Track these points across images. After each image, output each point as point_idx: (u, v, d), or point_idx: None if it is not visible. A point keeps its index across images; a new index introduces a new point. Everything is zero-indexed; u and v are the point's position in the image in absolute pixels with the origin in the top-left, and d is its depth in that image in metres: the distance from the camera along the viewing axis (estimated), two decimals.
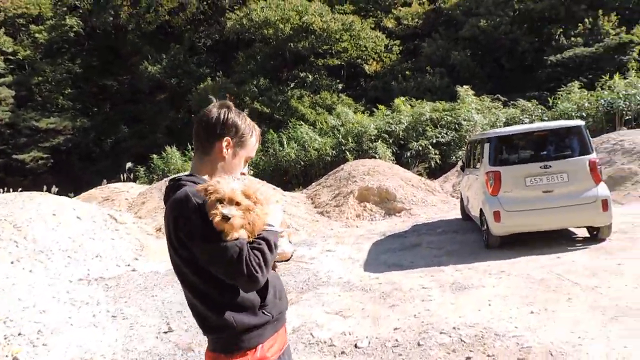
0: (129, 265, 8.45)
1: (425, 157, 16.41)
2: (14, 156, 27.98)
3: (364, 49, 24.35)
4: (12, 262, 7.29)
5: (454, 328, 4.01)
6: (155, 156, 21.76)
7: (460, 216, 9.39)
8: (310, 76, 25.24)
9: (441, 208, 10.93)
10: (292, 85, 25.58)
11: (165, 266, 8.19)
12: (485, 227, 6.80)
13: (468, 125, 16.32)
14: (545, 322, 3.94)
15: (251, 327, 1.65)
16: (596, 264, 5.40)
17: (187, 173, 1.81)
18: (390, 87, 22.92)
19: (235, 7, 29.35)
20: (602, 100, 14.13)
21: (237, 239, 1.55)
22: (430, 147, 16.42)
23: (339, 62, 25.28)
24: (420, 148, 16.57)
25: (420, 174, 15.63)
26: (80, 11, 31.98)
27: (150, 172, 21.94)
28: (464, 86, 18.26)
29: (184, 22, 30.36)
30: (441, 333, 3.94)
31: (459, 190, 10.86)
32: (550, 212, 6.24)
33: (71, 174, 29.71)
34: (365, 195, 11.54)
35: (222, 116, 1.77)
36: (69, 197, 16.54)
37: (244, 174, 1.86)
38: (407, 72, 23.31)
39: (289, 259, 1.96)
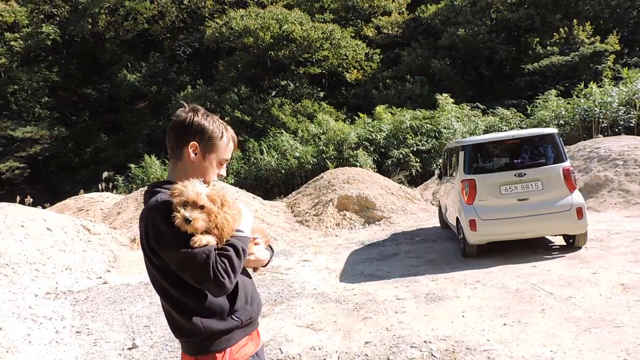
0: (100, 277, 8.19)
1: (406, 164, 16.43)
2: None
3: (345, 57, 24.42)
4: None
5: (425, 342, 3.90)
6: (133, 165, 21.40)
7: (439, 224, 9.34)
8: (291, 84, 25.20)
9: (421, 216, 10.88)
10: (273, 94, 25.51)
11: (137, 278, 7.97)
12: (461, 235, 6.75)
13: (448, 133, 16.41)
14: (518, 334, 3.85)
15: (219, 332, 1.68)
16: (571, 273, 5.37)
17: (163, 180, 1.82)
18: (371, 95, 23.00)
19: (214, 15, 29.27)
20: (578, 109, 14.33)
21: (205, 245, 1.57)
22: (410, 154, 16.46)
23: (320, 71, 25.30)
24: (401, 156, 16.60)
25: (401, 182, 15.63)
26: (58, 19, 31.50)
27: (129, 181, 21.56)
28: (444, 94, 18.41)
29: (164, 30, 30.14)
30: (412, 347, 3.82)
31: (438, 198, 10.84)
32: (526, 221, 6.21)
33: (49, 184, 29.11)
34: (345, 204, 11.45)
35: (188, 120, 1.76)
36: (44, 207, 16.15)
37: (221, 175, 1.85)
38: (387, 81, 23.42)
39: (265, 265, 1.94)
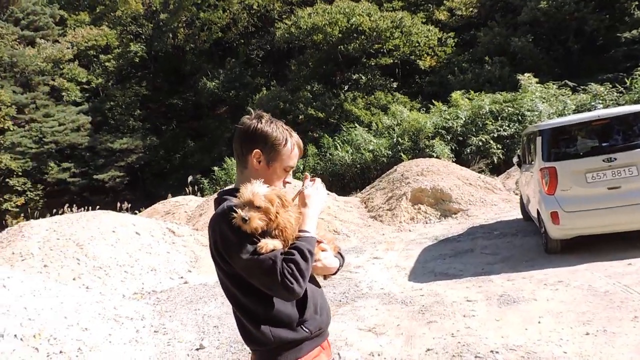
0: (182, 277, 8.64)
1: (487, 152, 15.48)
2: (95, 176, 30.07)
3: (417, 44, 23.58)
4: (73, 279, 7.73)
5: (492, 351, 3.57)
6: (217, 168, 22.48)
7: (520, 216, 8.65)
8: (363, 77, 24.89)
9: (502, 208, 10.17)
10: (345, 88, 25.37)
11: (214, 278, 8.29)
12: (543, 229, 6.16)
13: (532, 116, 15.19)
14: (602, 347, 3.38)
15: (288, 342, 1.66)
16: None
17: (231, 187, 1.83)
18: (447, 82, 21.98)
19: (283, 16, 29.70)
20: None
21: (272, 250, 1.56)
22: (491, 141, 15.48)
23: (392, 61, 24.70)
24: (480, 143, 15.67)
25: (482, 171, 14.77)
26: (143, 37, 33.93)
27: (214, 183, 22.67)
28: (526, 74, 17.05)
29: (237, 36, 31.22)
30: (476, 357, 3.51)
31: (519, 188, 10.06)
32: (618, 212, 5.49)
33: (145, 189, 31.54)
34: (419, 197, 11.04)
35: (251, 127, 1.75)
36: (139, 211, 17.48)
37: (287, 182, 1.83)
38: (463, 64, 22.24)
39: (334, 274, 1.89)
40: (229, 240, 1.60)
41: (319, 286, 1.86)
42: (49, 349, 4.46)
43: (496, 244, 7.28)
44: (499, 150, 15.14)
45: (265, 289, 1.58)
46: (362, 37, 24.16)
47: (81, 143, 30.33)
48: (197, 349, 4.78)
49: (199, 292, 7.32)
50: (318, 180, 1.87)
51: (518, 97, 16.23)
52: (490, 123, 16.00)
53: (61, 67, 32.72)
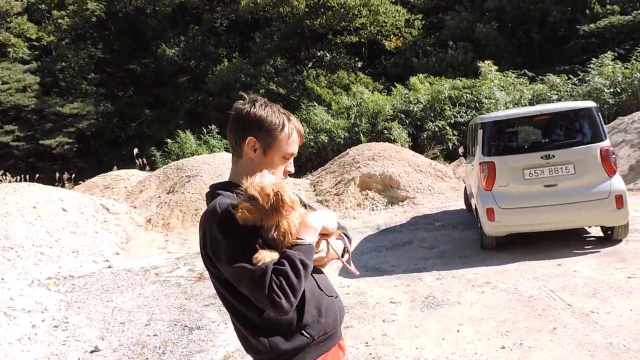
0: (107, 261, 8.06)
1: (442, 138, 15.35)
2: (41, 142, 28.45)
3: (384, 24, 23.09)
4: None
5: None
6: (170, 141, 21.54)
7: (464, 207, 8.48)
8: (328, 55, 24.27)
9: (448, 196, 10.00)
10: (309, 65, 24.71)
11: (141, 263, 7.78)
12: (479, 225, 5.94)
13: (489, 104, 15.12)
14: None
15: (287, 352, 1.52)
16: (601, 276, 4.50)
17: (226, 180, 1.68)
18: (411, 64, 21.70)
19: None
20: (638, 74, 12.62)
21: (265, 261, 1.39)
22: (447, 127, 15.35)
23: (358, 39, 24.15)
24: (437, 129, 15.52)
25: (436, 157, 14.65)
26: None
27: (166, 157, 21.76)
28: (487, 61, 16.92)
29: (201, 2, 29.78)
30: None
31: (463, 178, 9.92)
32: (554, 210, 5.31)
33: (98, 158, 30.14)
34: (368, 182, 10.74)
35: (243, 112, 1.60)
36: (79, 184, 16.51)
37: (288, 172, 1.68)
38: (428, 48, 21.97)
39: (342, 256, 1.68)
40: (217, 243, 1.45)
41: (328, 281, 1.70)
42: None
43: (435, 236, 7.06)
44: (455, 137, 15.03)
45: (254, 300, 1.42)
46: (330, 12, 23.46)
47: (27, 105, 28.50)
48: (92, 352, 4.31)
49: (120, 279, 6.81)
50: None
51: (477, 84, 16.12)
52: (449, 109, 15.85)
53: (8, 20, 30.43)
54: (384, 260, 6.17)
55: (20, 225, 8.09)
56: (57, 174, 18.53)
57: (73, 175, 19.59)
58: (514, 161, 5.52)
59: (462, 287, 4.73)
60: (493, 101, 15.05)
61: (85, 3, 30.87)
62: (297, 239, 1.46)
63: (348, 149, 13.23)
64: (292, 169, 1.69)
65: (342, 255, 1.70)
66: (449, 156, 14.77)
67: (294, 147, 1.66)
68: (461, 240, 6.63)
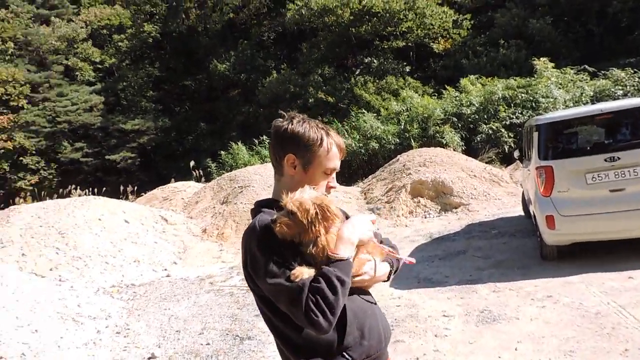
0: (165, 269, 8.38)
1: (497, 141, 14.78)
2: (107, 157, 30.18)
3: (431, 27, 22.67)
4: (50, 269, 7.52)
5: None
6: (223, 152, 22.22)
7: (523, 213, 8.10)
8: (375, 61, 24.13)
9: (505, 202, 9.60)
10: (357, 72, 24.67)
11: (197, 272, 8.01)
12: (538, 233, 5.64)
13: (547, 103, 14.40)
14: None
15: None
16: None
17: (269, 197, 1.69)
18: (461, 65, 21.11)
19: None
20: None
21: (303, 278, 1.40)
22: (502, 129, 14.75)
23: (405, 44, 23.85)
24: (490, 131, 14.97)
25: (491, 161, 14.12)
26: (157, 17, 33.56)
27: (220, 168, 22.43)
28: (542, 58, 16.15)
29: (248, 17, 30.60)
30: None
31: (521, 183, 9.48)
32: (621, 217, 4.95)
33: (157, 171, 31.56)
34: (419, 189, 10.52)
35: (282, 130, 1.61)
36: (141, 196, 17.34)
37: (332, 187, 1.68)
38: (478, 48, 21.30)
39: (387, 279, 1.71)
40: (256, 260, 1.46)
41: (372, 302, 1.66)
42: None
43: (491, 244, 6.78)
44: (510, 139, 14.42)
45: (293, 318, 1.42)
46: (375, 19, 23.33)
47: (94, 123, 30.36)
48: (149, 359, 4.47)
49: (177, 288, 7.05)
50: (373, 215, 1.70)
51: (533, 83, 15.41)
52: (503, 110, 15.24)
53: (75, 46, 32.64)
54: (436, 270, 6.00)
55: (88, 237, 8.60)
56: (122, 187, 19.59)
57: (135, 188, 20.66)
58: (574, 165, 5.20)
59: (520, 301, 4.50)
60: (551, 100, 14.33)
61: (142, 26, 32.61)
62: (333, 253, 1.44)
63: (398, 156, 13.05)
64: (334, 184, 1.68)
65: (389, 278, 1.69)
66: (505, 159, 14.19)
67: (334, 162, 1.64)
68: (519, 249, 6.33)
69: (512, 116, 14.98)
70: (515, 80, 16.07)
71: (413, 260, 1.78)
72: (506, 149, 14.54)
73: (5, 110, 27.99)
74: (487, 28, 22.60)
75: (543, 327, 3.86)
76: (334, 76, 24.61)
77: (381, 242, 1.83)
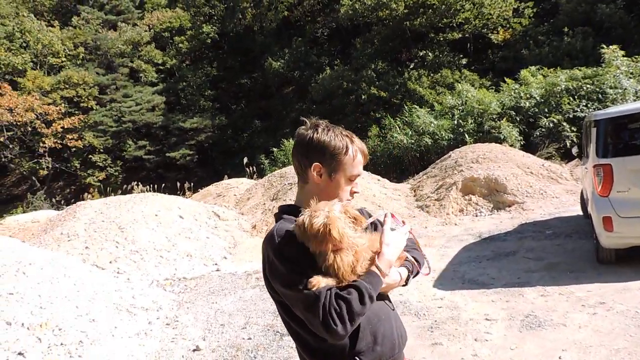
0: (216, 264, 8.66)
1: (558, 135, 13.99)
2: (167, 154, 31.61)
3: (489, 16, 21.78)
4: (110, 262, 8.01)
5: None
6: (276, 149, 22.63)
7: (581, 212, 7.63)
8: (430, 54, 23.56)
9: (563, 201, 9.08)
10: (411, 66, 24.22)
11: (245, 267, 8.22)
12: (594, 235, 5.30)
13: (615, 94, 13.43)
14: None
15: None
16: None
17: (290, 203, 1.74)
18: (521, 56, 20.14)
19: None
20: None
21: (320, 286, 1.43)
22: (564, 123, 13.94)
23: (462, 35, 23.10)
24: (551, 125, 14.19)
25: (551, 157, 13.40)
26: (215, 18, 34.62)
27: (273, 164, 22.86)
28: (611, 46, 15.06)
29: (302, 15, 30.86)
30: None
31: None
32: None
33: (214, 167, 32.70)
34: (471, 186, 10.19)
35: (307, 139, 1.64)
36: (197, 192, 18.03)
37: (355, 193, 1.70)
38: (540, 37, 20.20)
39: (405, 284, 1.72)
40: (274, 266, 1.51)
41: (389, 308, 1.68)
42: (51, 339, 4.54)
43: (544, 246, 6.45)
44: (573, 133, 13.60)
45: (308, 324, 1.46)
46: (430, 11, 22.78)
47: (155, 122, 31.87)
48: (194, 350, 4.66)
49: (225, 282, 7.26)
50: (408, 225, 1.70)
51: (600, 73, 14.42)
52: (567, 102, 14.38)
53: (139, 49, 34.42)
54: (483, 271, 5.79)
55: (145, 232, 9.06)
56: (180, 183, 20.49)
57: (192, 184, 21.54)
58: (635, 163, 4.83)
59: (569, 307, 4.25)
60: (620, 91, 13.35)
61: (201, 27, 33.77)
62: (371, 270, 1.48)
63: (450, 152, 12.71)
64: (358, 189, 1.70)
65: (407, 283, 1.69)
66: (566, 155, 13.40)
67: (358, 169, 1.66)
68: (575, 251, 5.97)
69: (575, 109, 14.12)
70: (580, 70, 15.13)
71: (427, 272, 1.79)
72: (568, 144, 13.72)
73: (76, 112, 29.98)
74: (551, 15, 21.39)
75: (592, 335, 3.63)
76: (388, 71, 24.31)
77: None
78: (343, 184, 1.65)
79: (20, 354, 4.18)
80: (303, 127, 1.68)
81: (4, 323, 4.43)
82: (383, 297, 1.68)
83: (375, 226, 1.82)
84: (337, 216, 1.48)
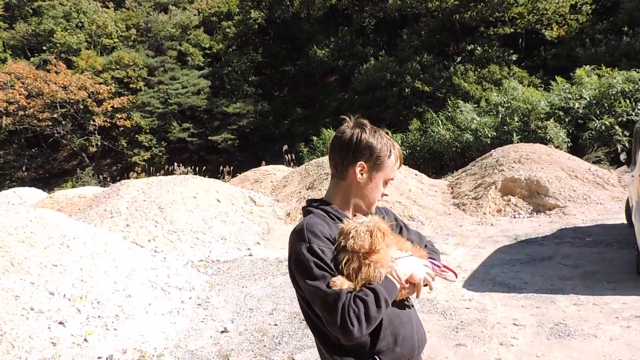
0: (248, 249, 8.86)
1: (609, 139, 13.37)
2: (210, 137, 32.34)
3: (544, 12, 20.90)
4: (148, 241, 8.35)
5: None
6: (315, 138, 22.73)
7: (625, 221, 7.31)
8: (479, 48, 22.89)
9: (608, 207, 8.72)
10: (458, 60, 23.63)
11: (276, 254, 8.38)
12: (636, 246, 5.08)
13: None
14: None
15: None
16: None
17: (320, 197, 1.78)
18: (575, 55, 19.26)
19: None
20: None
21: (342, 287, 1.48)
22: (616, 126, 13.31)
23: (514, 30, 22.30)
24: (603, 127, 13.57)
25: (599, 161, 12.87)
26: (264, 4, 34.87)
27: (311, 153, 22.99)
28: None
29: (350, 3, 30.59)
30: None
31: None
32: None
33: (254, 153, 33.20)
34: (511, 187, 9.93)
35: (354, 138, 1.67)
36: (235, 176, 18.41)
37: (385, 194, 1.77)
38: (597, 36, 19.22)
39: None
40: (300, 260, 1.54)
41: (407, 307, 1.71)
42: (89, 312, 4.81)
43: (582, 253, 6.23)
44: (625, 138, 12.95)
45: (324, 320, 1.50)
46: (482, 4, 22.09)
47: (200, 105, 32.61)
48: (222, 332, 4.82)
49: (256, 268, 7.44)
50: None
51: None
52: (621, 105, 13.67)
53: (188, 32, 35.18)
54: (515, 275, 5.67)
55: (183, 213, 9.37)
56: (221, 167, 20.96)
57: (232, 168, 22.00)
58: None
59: (603, 318, 4.12)
60: None
61: (248, 12, 34.12)
62: (387, 276, 1.52)
63: (492, 150, 12.40)
64: (387, 191, 1.76)
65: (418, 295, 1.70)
66: (616, 160, 12.80)
67: (395, 173, 1.74)
68: (614, 261, 5.75)
69: (630, 112, 13.43)
70: (638, 72, 14.34)
71: (452, 278, 1.81)
72: (619, 148, 13.10)
73: (125, 92, 31.09)
74: (611, 13, 20.30)
75: (623, 349, 3.51)
76: (433, 64, 23.83)
77: (425, 246, 1.87)
78: (380, 186, 1.71)
79: (60, 322, 4.45)
80: (347, 124, 1.72)
81: (47, 293, 4.72)
82: (402, 304, 1.70)
83: (400, 228, 1.85)
84: (382, 229, 1.55)
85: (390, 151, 1.70)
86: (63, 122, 29.44)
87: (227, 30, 34.38)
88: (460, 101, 18.18)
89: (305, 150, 23.68)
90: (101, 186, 21.45)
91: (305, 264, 1.52)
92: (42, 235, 5.71)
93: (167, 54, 34.58)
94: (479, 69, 22.20)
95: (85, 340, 4.48)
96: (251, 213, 10.82)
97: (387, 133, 1.81)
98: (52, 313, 4.58)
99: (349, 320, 1.43)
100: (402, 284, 1.56)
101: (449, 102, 19.20)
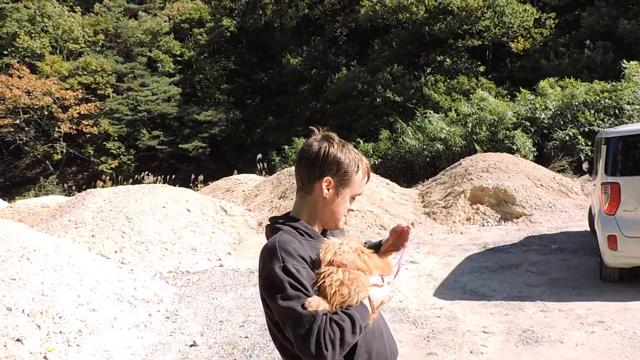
0: (219, 259, 8.70)
1: (572, 149, 13.83)
2: (180, 145, 31.84)
3: (510, 25, 21.58)
4: (115, 252, 8.09)
5: None
6: (287, 147, 22.68)
7: (589, 229, 7.54)
8: (448, 60, 23.42)
9: (572, 215, 8.99)
10: (428, 71, 24.11)
11: (248, 264, 8.26)
12: (599, 253, 5.24)
13: (632, 110, 13.27)
14: None
15: None
16: None
17: (286, 213, 1.72)
18: (540, 67, 19.94)
19: None
20: None
21: (318, 309, 1.40)
22: (579, 136, 13.79)
23: (481, 42, 22.93)
24: (566, 138, 14.04)
25: (563, 170, 13.28)
26: (236, 12, 34.77)
27: (283, 162, 22.93)
28: (633, 61, 14.85)
29: (322, 13, 30.83)
30: None
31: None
32: None
33: (226, 161, 32.86)
34: (479, 196, 10.12)
35: (322, 152, 1.61)
36: (206, 185, 18.16)
37: (352, 210, 1.71)
38: (561, 48, 19.97)
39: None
40: (270, 280, 1.45)
41: (381, 322, 1.67)
42: (50, 327, 4.61)
43: (548, 260, 6.39)
44: (587, 147, 13.43)
45: (295, 344, 1.40)
46: (450, 17, 22.63)
47: (170, 113, 32.09)
48: (190, 346, 4.70)
49: (227, 278, 7.31)
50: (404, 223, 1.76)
51: (619, 88, 14.23)
52: (587, 115, 14.17)
53: (158, 39, 34.67)
54: (484, 283, 5.76)
55: (151, 223, 9.14)
56: (192, 175, 20.63)
57: (203, 177, 21.69)
58: None
59: (568, 324, 4.22)
60: (637, 107, 13.19)
61: (220, 20, 33.94)
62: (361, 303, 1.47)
63: (461, 160, 12.64)
64: (354, 207, 1.72)
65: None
66: (579, 169, 13.26)
67: (362, 188, 1.69)
68: (578, 268, 5.91)
69: (592, 123, 13.95)
70: (598, 84, 14.94)
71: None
72: (582, 158, 13.59)
73: (93, 98, 30.32)
74: (573, 27, 21.13)
75: (588, 354, 3.60)
76: (404, 74, 24.22)
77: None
78: (347, 201, 1.66)
79: (18, 340, 4.25)
80: (313, 137, 1.66)
81: (4, 308, 4.50)
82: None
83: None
84: (367, 252, 1.53)
85: (358, 166, 1.64)
86: (26, 129, 28.45)
87: (199, 37, 34.08)
88: (429, 111, 18.49)
89: (277, 159, 23.60)
90: (66, 195, 20.79)
91: (279, 284, 1.43)
92: (0, 247, 5.46)
93: (136, 60, 34.00)
94: (448, 80, 22.70)
95: (44, 357, 4.29)
96: (222, 223, 10.66)
97: (357, 143, 1.79)
98: (9, 330, 4.37)
99: (323, 345, 1.35)
100: (375, 311, 1.53)
101: (418, 112, 19.53)
